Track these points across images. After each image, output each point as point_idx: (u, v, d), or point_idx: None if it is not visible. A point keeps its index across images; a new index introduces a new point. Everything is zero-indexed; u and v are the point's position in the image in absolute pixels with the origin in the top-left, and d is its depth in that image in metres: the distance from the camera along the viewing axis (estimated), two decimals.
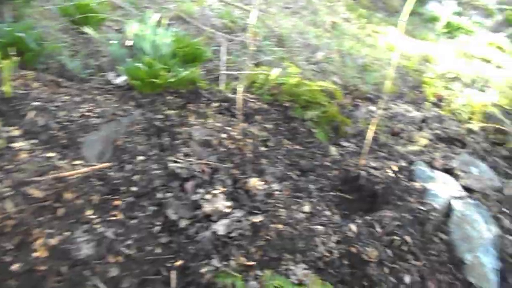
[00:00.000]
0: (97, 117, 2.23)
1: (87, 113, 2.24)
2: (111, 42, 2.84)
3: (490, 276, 2.22)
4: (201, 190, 2.06)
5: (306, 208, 2.26)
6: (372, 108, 3.40)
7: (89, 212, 1.73)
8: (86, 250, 1.60)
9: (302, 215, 2.20)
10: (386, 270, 2.11)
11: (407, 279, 2.13)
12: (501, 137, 3.31)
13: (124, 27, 2.93)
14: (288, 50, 3.63)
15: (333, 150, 2.77)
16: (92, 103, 2.35)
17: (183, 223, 1.91)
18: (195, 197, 2.02)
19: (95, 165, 1.92)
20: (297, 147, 2.69)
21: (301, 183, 2.42)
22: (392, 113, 3.37)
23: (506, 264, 2.32)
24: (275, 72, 2.90)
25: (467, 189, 2.67)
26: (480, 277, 2.23)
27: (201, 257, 1.84)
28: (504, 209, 2.57)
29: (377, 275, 2.08)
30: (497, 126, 3.31)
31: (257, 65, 3.30)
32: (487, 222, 2.42)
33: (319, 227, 2.18)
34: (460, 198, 2.52)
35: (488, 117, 3.43)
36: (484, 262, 2.24)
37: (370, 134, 2.55)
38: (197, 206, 1.99)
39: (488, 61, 4.34)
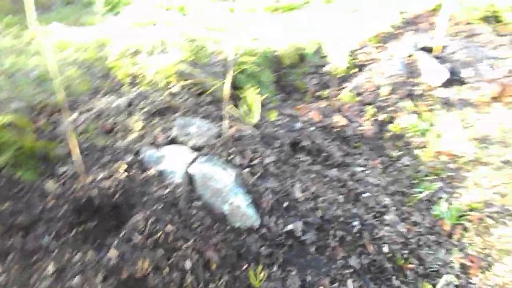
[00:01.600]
0: None
1: None
2: None
3: (249, 212, 2.41)
4: None
5: (50, 268, 1.86)
6: (75, 115, 3.06)
7: None
8: None
9: (49, 280, 1.81)
10: (166, 270, 2.00)
11: (188, 264, 2.08)
12: (200, 87, 3.55)
13: None
14: None
15: (50, 184, 2.36)
16: None
17: None
18: None
19: None
20: (6, 205, 2.17)
21: (32, 245, 1.97)
22: (96, 111, 3.12)
23: (253, 193, 2.56)
24: None
25: (196, 149, 2.76)
26: (242, 218, 2.38)
27: None
28: (229, 150, 2.79)
29: (160, 282, 1.94)
30: (192, 80, 3.51)
31: None
32: (224, 169, 2.58)
33: (76, 278, 1.85)
34: (193, 161, 2.59)
35: (181, 74, 3.59)
36: (238, 204, 2.40)
37: (74, 147, 2.25)
38: None
39: (168, 24, 4.51)
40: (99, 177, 2.37)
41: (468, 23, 5.79)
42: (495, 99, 4.32)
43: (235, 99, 3.62)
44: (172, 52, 3.79)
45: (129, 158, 2.59)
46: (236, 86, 3.87)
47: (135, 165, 2.53)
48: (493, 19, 6.03)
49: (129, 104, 3.22)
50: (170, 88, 3.41)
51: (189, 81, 3.50)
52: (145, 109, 3.15)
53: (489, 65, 4.71)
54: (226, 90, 2.82)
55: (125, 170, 2.45)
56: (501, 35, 5.57)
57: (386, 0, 6.95)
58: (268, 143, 3.10)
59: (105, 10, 5.06)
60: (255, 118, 3.31)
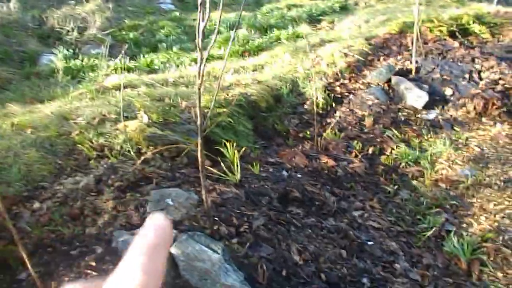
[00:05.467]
0: None
1: None
2: None
3: None
4: None
5: None
6: (37, 205, 2.75)
7: None
8: None
9: None
10: None
11: None
12: (173, 150, 3.29)
13: None
14: None
15: None
16: None
17: None
18: None
19: None
20: None
21: None
22: (61, 195, 2.81)
23: (246, 267, 2.26)
24: None
25: (175, 224, 2.47)
26: None
27: None
28: (213, 219, 2.50)
29: None
30: (164, 143, 3.26)
31: None
32: (209, 244, 2.28)
33: None
34: (173, 240, 2.29)
35: (152, 138, 3.34)
36: (231, 283, 2.09)
37: (25, 254, 1.94)
38: None
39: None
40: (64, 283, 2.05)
41: (436, 40, 5.76)
42: (480, 114, 4.18)
43: (213, 156, 3.36)
44: (140, 116, 3.55)
45: (101, 249, 2.27)
46: (212, 141, 3.63)
47: (107, 257, 2.21)
48: (459, 32, 6.04)
49: (98, 182, 2.92)
50: (141, 156, 3.14)
51: (161, 145, 3.25)
52: (116, 185, 2.86)
53: (467, 80, 4.60)
54: (201, 151, 2.56)
55: (94, 268, 2.13)
56: (471, 47, 5.55)
57: (350, 31, 6.96)
58: (255, 202, 2.83)
59: (65, 80, 4.83)
60: (237, 175, 3.05)
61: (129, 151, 3.18)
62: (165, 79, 4.92)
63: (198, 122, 2.04)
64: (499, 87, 4.37)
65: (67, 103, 3.94)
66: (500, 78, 4.47)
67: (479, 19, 6.33)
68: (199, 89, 1.93)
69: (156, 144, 3.28)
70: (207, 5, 1.79)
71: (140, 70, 5.45)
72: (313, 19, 8.56)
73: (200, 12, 1.76)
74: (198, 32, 1.80)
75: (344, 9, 9.51)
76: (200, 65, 1.86)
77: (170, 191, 2.70)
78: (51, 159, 3.15)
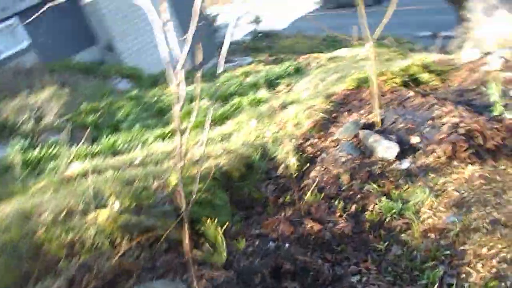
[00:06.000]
0: None
1: None
2: None
3: None
4: None
5: None
6: None
7: None
8: None
9: None
10: None
11: None
12: (150, 236, 3.07)
13: None
14: None
15: None
16: None
17: None
18: None
19: None
20: None
21: None
22: None
23: None
24: None
25: None
26: None
27: None
28: None
29: None
30: (139, 230, 3.04)
31: None
32: None
33: None
34: None
35: (126, 226, 3.11)
36: None
37: None
38: None
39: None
40: None
41: (393, 91, 6.01)
42: (451, 158, 4.25)
43: (194, 236, 3.16)
44: (110, 204, 3.33)
45: None
46: (191, 220, 3.43)
47: None
48: (411, 82, 6.36)
49: (71, 284, 2.63)
50: (116, 248, 2.89)
51: (136, 233, 3.02)
52: (92, 285, 2.58)
53: (431, 126, 4.75)
54: (190, 238, 2.37)
55: None
56: (426, 95, 5.81)
57: (309, 91, 7.18)
58: (248, 282, 2.62)
59: (24, 173, 4.55)
60: (223, 255, 2.85)
61: (102, 244, 2.92)
62: (131, 160, 4.76)
63: (183, 207, 1.90)
64: (461, 130, 4.51)
65: (29, 199, 3.66)
66: (460, 121, 4.63)
67: (426, 67, 6.72)
68: (180, 172, 1.81)
69: (131, 232, 3.05)
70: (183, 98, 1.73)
71: (104, 153, 5.25)
72: (271, 84, 8.82)
73: (176, 93, 1.69)
74: (175, 118, 1.72)
75: (298, 71, 9.90)
76: (180, 149, 1.75)
77: (154, 285, 2.45)
78: (16, 264, 2.84)
